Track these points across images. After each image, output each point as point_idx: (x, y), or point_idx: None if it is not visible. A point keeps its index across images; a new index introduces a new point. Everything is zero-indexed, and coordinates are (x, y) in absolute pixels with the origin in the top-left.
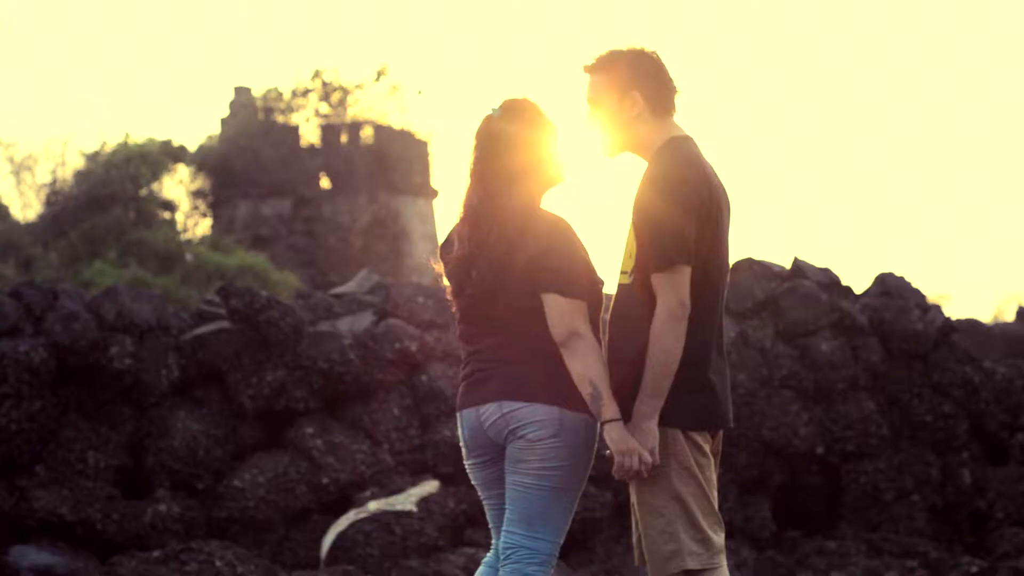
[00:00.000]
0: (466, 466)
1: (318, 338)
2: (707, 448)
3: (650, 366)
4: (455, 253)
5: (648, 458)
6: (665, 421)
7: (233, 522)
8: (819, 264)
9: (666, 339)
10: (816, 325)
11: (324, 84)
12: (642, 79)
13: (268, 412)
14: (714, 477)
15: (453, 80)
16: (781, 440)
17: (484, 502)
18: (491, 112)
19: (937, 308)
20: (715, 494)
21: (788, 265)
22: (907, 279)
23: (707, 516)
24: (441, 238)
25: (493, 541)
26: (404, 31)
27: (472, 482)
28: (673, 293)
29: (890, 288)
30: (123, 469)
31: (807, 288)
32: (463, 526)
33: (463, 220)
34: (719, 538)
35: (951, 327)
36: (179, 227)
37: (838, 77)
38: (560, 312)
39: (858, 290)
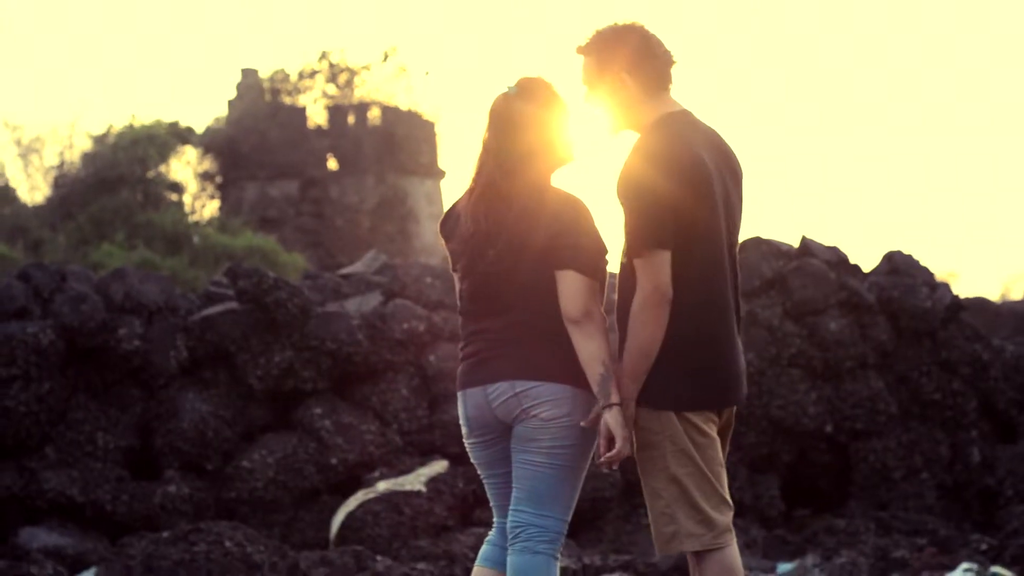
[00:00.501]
0: (467, 445)
1: (326, 319)
2: (708, 427)
3: (627, 350)
4: (467, 231)
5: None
6: (659, 403)
7: (242, 503)
8: (827, 242)
9: (641, 325)
10: (824, 303)
11: (331, 65)
12: (630, 58)
13: (276, 393)
14: (720, 455)
15: (460, 61)
16: (790, 419)
17: (486, 481)
18: (507, 90)
19: (945, 286)
20: (722, 472)
21: (796, 244)
22: (915, 257)
23: (708, 496)
24: None
25: (496, 520)
26: (411, 12)
27: (473, 461)
28: (648, 279)
29: (898, 266)
30: (132, 450)
31: (815, 267)
32: (472, 506)
33: (478, 198)
34: (724, 517)
35: (959, 305)
36: (187, 209)
37: (845, 55)
38: (577, 290)
39: (866, 268)
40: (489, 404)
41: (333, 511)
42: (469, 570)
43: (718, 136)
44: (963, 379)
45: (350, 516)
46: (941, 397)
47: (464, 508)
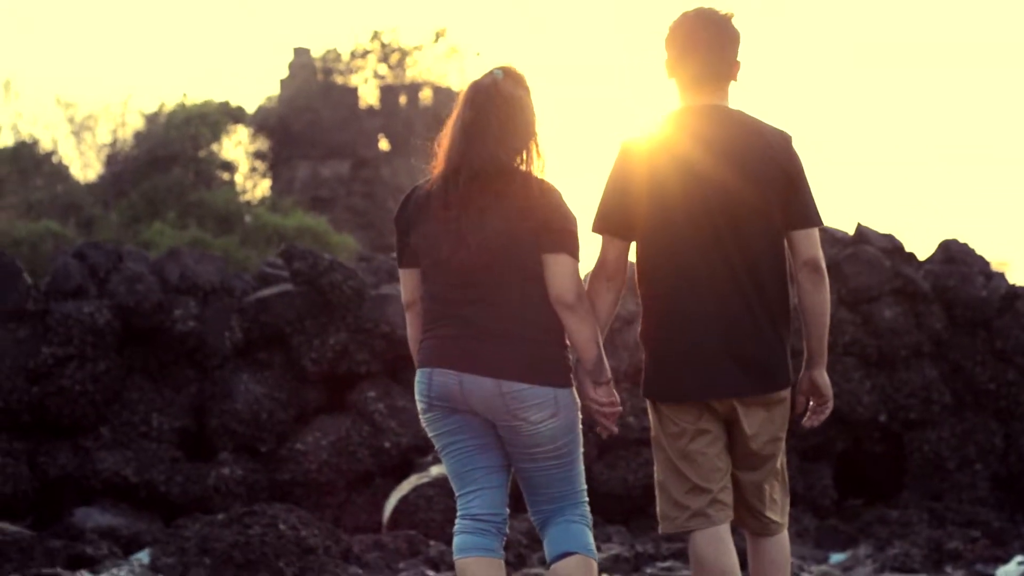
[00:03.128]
0: (425, 419)
1: (380, 301)
2: (679, 419)
3: None
4: (452, 214)
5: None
6: (643, 392)
7: (295, 485)
8: (882, 230)
9: (589, 294)
10: (879, 291)
11: (383, 45)
12: (672, 40)
13: (330, 375)
14: (698, 444)
15: (511, 42)
16: (844, 407)
17: (447, 450)
18: (495, 74)
19: (1001, 275)
20: (699, 460)
21: (851, 231)
22: (971, 246)
23: (678, 483)
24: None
25: (460, 497)
26: None
27: (431, 433)
28: (600, 255)
29: (954, 254)
30: (186, 431)
31: (870, 254)
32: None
33: (474, 178)
34: (697, 501)
35: (1015, 294)
36: (238, 188)
37: (899, 38)
38: (570, 273)
39: (922, 256)
40: (461, 389)
41: (386, 495)
42: (521, 556)
43: (745, 128)
44: (1018, 369)
45: (403, 500)
46: (995, 387)
47: (516, 493)
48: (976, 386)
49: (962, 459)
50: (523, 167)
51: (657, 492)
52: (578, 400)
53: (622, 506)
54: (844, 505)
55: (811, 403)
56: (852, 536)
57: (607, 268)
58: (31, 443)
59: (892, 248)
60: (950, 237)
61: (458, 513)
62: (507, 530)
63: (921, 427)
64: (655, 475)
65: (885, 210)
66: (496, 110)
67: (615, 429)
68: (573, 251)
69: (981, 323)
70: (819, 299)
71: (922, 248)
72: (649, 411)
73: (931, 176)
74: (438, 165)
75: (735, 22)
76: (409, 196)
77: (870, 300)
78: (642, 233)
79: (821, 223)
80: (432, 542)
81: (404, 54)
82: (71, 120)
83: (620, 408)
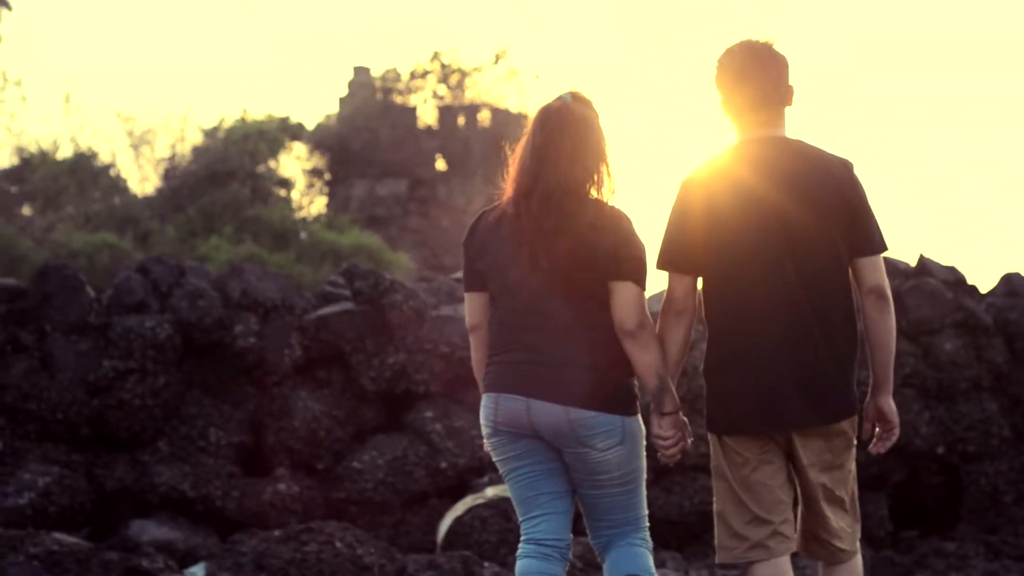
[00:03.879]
0: (490, 443)
1: (440, 322)
2: (743, 449)
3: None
4: (525, 235)
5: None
6: (707, 426)
7: (351, 503)
8: (945, 262)
9: (659, 328)
10: (940, 323)
11: (443, 66)
12: (722, 77)
13: (389, 395)
14: (760, 475)
15: (570, 65)
16: (902, 439)
17: (512, 475)
18: (564, 97)
19: None
20: (761, 491)
21: (913, 262)
22: None
23: (738, 513)
24: None
25: (524, 521)
26: (523, 15)
27: (496, 458)
28: (668, 289)
29: (1016, 288)
30: (244, 447)
31: (932, 286)
32: (578, 514)
33: (546, 200)
34: (758, 533)
35: None
36: (295, 205)
37: (976, 60)
38: (635, 301)
39: (984, 289)
40: (528, 414)
41: (441, 515)
42: None
43: (805, 156)
44: None
45: (458, 521)
46: None
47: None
48: None
49: (1019, 493)
50: (594, 189)
51: (715, 521)
52: (643, 427)
53: (677, 532)
54: (899, 537)
55: (877, 430)
56: (908, 568)
57: (675, 303)
58: (89, 455)
59: (954, 280)
60: (1012, 270)
61: (522, 537)
62: (570, 556)
63: (979, 460)
64: (714, 504)
65: (947, 241)
66: (569, 130)
67: (671, 463)
68: (640, 279)
69: None
70: (884, 326)
71: (983, 280)
72: (711, 440)
73: (996, 206)
74: (507, 190)
75: (778, 48)
76: (478, 221)
77: (931, 332)
78: (704, 263)
79: (886, 248)
80: (487, 563)
81: (463, 75)
82: (130, 134)
83: (685, 443)
